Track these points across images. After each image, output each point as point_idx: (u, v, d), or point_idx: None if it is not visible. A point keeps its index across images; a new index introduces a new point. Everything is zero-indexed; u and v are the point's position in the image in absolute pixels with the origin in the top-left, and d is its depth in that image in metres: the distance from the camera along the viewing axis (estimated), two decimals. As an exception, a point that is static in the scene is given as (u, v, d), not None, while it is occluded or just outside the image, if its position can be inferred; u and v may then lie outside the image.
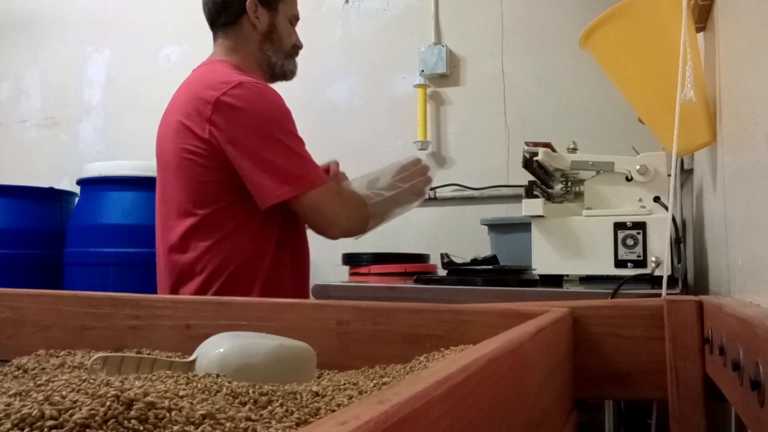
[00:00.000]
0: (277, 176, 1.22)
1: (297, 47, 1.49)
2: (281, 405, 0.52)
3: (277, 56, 1.45)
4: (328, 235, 1.33)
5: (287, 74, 1.48)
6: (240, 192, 1.25)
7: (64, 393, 0.42)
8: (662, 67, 1.00)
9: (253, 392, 0.54)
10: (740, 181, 0.78)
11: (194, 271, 1.26)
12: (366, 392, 0.61)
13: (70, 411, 0.38)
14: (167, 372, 0.63)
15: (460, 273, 1.30)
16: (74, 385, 0.45)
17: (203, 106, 1.25)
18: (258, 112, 1.25)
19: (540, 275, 1.14)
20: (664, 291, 0.87)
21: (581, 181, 1.24)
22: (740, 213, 0.78)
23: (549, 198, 1.25)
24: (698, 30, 1.12)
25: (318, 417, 0.50)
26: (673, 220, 1.02)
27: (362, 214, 1.33)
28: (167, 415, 0.42)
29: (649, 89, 1.06)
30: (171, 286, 1.30)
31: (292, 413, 0.50)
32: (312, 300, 1.04)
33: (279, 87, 1.40)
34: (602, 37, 1.06)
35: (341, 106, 2.52)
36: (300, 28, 1.51)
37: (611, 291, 0.93)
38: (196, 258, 1.26)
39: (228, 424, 0.43)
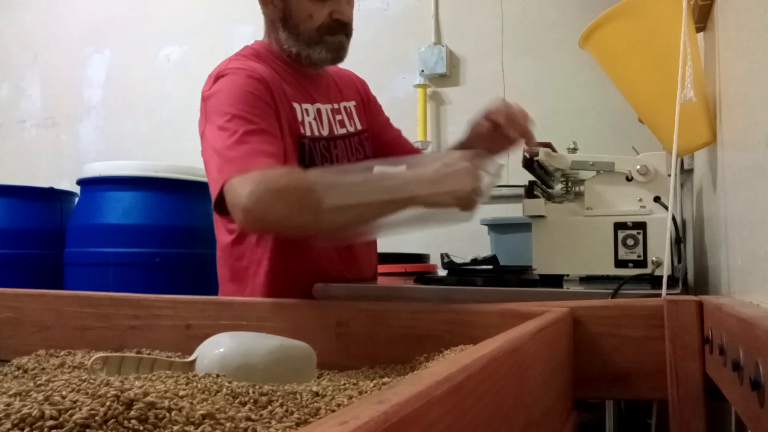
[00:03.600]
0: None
1: (327, 28, 1.18)
2: (281, 405, 0.52)
3: (297, 45, 1.20)
4: (241, 228, 1.10)
5: (318, 63, 1.22)
6: None
7: (64, 393, 0.42)
8: (662, 67, 1.00)
9: (253, 392, 0.54)
10: (740, 181, 0.78)
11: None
12: (366, 392, 0.61)
13: (70, 411, 0.38)
14: (167, 372, 0.63)
15: (460, 273, 1.29)
16: (74, 385, 0.45)
17: None
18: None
19: (540, 275, 1.14)
20: (664, 291, 0.87)
21: (581, 181, 1.24)
22: (740, 213, 0.78)
23: (549, 198, 1.25)
24: (698, 30, 1.12)
25: (318, 417, 0.50)
26: (674, 220, 1.02)
27: (295, 198, 0.91)
28: (167, 415, 0.42)
29: (649, 89, 1.06)
30: None
31: (292, 413, 0.50)
32: (312, 300, 1.04)
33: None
34: (602, 37, 1.06)
35: (341, 106, 2.52)
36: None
37: (611, 291, 0.93)
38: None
39: (228, 424, 0.43)
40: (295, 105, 1.19)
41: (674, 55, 0.93)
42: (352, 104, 1.33)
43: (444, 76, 2.35)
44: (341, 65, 1.30)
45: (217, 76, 1.12)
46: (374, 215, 0.94)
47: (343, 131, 1.27)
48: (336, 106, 1.29)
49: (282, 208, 0.90)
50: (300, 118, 1.19)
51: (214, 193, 1.01)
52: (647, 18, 1.02)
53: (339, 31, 1.19)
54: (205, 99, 1.12)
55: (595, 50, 1.10)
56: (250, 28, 2.71)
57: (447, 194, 0.90)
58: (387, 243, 2.08)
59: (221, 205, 0.98)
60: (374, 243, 1.36)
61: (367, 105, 1.38)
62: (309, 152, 1.18)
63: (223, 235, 1.24)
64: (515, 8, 2.28)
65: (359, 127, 1.32)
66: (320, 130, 1.22)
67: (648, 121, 1.12)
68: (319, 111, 1.24)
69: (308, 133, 1.20)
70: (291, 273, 1.16)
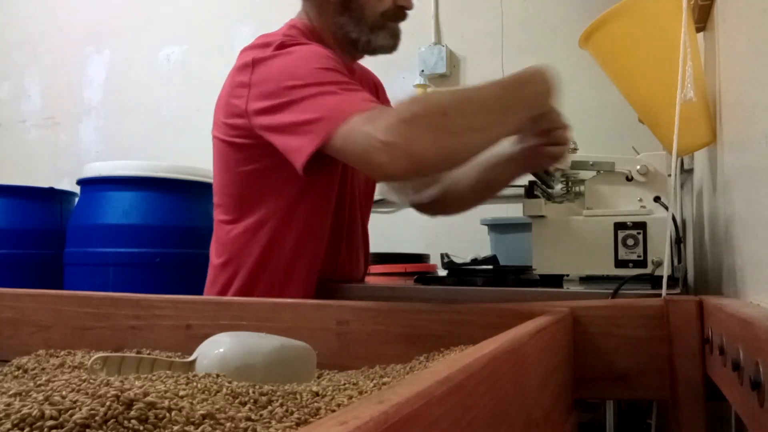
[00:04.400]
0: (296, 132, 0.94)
1: (391, 14, 1.13)
2: (281, 405, 0.52)
3: (359, 30, 1.13)
4: (380, 173, 0.95)
5: (378, 50, 1.16)
6: None
7: (64, 393, 0.42)
8: (662, 67, 1.00)
9: (253, 392, 0.54)
10: (740, 181, 0.78)
11: None
12: (366, 392, 0.61)
13: (70, 411, 0.38)
14: (167, 372, 0.63)
15: (460, 273, 1.29)
16: (74, 385, 0.45)
17: None
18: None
19: (540, 275, 1.14)
20: (664, 291, 0.87)
21: (581, 181, 1.24)
22: (740, 213, 0.78)
23: (549, 198, 1.25)
24: (698, 30, 1.12)
25: (318, 417, 0.50)
26: (674, 220, 1.02)
27: (434, 123, 0.82)
28: (167, 415, 0.42)
29: (649, 89, 1.06)
30: None
31: (292, 413, 0.50)
32: (312, 300, 1.04)
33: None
34: (602, 37, 1.06)
35: (341, 106, 2.51)
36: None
37: (611, 291, 0.93)
38: None
39: (228, 424, 0.43)
40: None
41: (674, 54, 0.93)
42: None
43: (444, 76, 2.34)
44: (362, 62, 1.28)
45: (280, 45, 1.01)
46: (502, 131, 0.88)
47: None
48: None
49: (427, 136, 0.80)
50: None
51: (307, 149, 0.90)
52: (647, 18, 1.02)
53: (401, 18, 1.15)
54: (259, 62, 1.01)
55: (595, 50, 1.10)
56: (250, 28, 2.71)
57: (545, 88, 0.87)
58: (387, 243, 2.09)
59: (312, 165, 0.91)
60: (367, 244, 1.35)
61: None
62: None
63: (214, 256, 1.19)
64: (515, 8, 2.28)
65: None
66: None
67: (648, 121, 1.12)
68: None
69: None
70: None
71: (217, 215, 1.19)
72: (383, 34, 1.14)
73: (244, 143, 1.07)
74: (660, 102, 1.00)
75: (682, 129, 0.91)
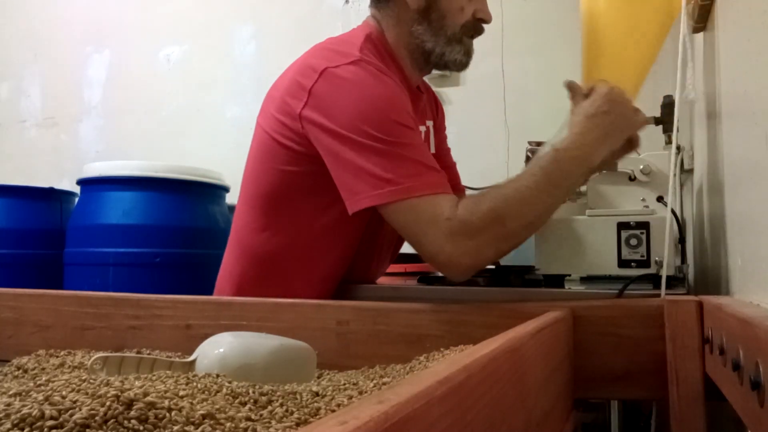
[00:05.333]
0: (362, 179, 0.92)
1: (470, 27, 1.11)
2: (281, 405, 0.52)
3: (435, 41, 1.09)
4: (436, 268, 0.96)
5: (449, 65, 1.12)
6: None
7: (64, 393, 0.42)
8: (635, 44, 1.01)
9: (253, 392, 0.54)
10: (740, 180, 0.78)
11: None
12: (366, 392, 0.61)
13: (70, 411, 0.38)
14: (167, 372, 0.63)
15: (460, 273, 1.29)
16: (74, 385, 0.45)
17: None
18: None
19: (542, 275, 1.14)
20: (663, 291, 0.87)
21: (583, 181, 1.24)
22: (740, 213, 0.78)
23: (550, 198, 1.24)
24: (698, 30, 1.12)
25: (318, 417, 0.50)
26: (677, 219, 1.02)
27: (495, 234, 0.87)
28: (167, 415, 0.42)
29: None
30: None
31: (292, 413, 0.50)
32: (312, 300, 1.04)
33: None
34: None
35: (341, 106, 2.51)
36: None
37: (613, 291, 0.93)
38: None
39: (228, 424, 0.43)
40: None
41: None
42: (431, 124, 1.25)
43: (444, 76, 2.34)
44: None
45: (355, 62, 0.97)
46: (558, 204, 0.92)
47: None
48: (427, 126, 1.21)
49: (490, 250, 0.88)
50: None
51: (366, 201, 0.91)
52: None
53: (478, 32, 1.13)
54: (329, 74, 0.96)
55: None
56: (250, 28, 2.71)
57: (617, 142, 0.91)
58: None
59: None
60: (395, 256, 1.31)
61: (438, 129, 1.32)
62: None
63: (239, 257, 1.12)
64: (515, 8, 2.28)
65: (432, 150, 1.23)
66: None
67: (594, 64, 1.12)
68: (427, 132, 1.18)
69: None
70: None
71: (244, 216, 1.12)
72: (458, 48, 1.11)
73: (290, 145, 1.02)
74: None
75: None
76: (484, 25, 1.15)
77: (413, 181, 0.89)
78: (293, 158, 1.03)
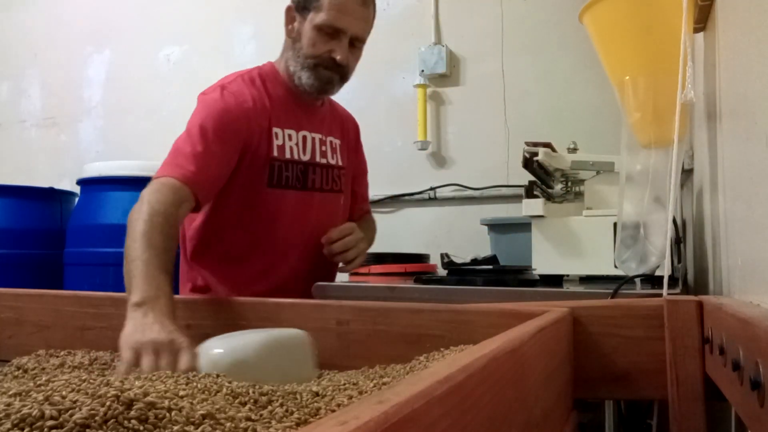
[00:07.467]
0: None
1: (325, 60, 1.32)
2: (281, 405, 0.52)
3: (295, 65, 1.35)
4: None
5: (304, 86, 1.35)
6: None
7: (64, 393, 0.42)
8: (650, 53, 1.00)
9: (253, 392, 0.54)
10: (740, 181, 0.78)
11: None
12: (366, 392, 0.61)
13: (70, 411, 0.38)
14: (167, 372, 0.63)
15: (460, 273, 1.30)
16: (74, 385, 0.45)
17: None
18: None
19: (540, 275, 1.14)
20: (664, 291, 0.87)
21: (581, 181, 1.24)
22: (740, 213, 0.78)
23: (549, 198, 1.25)
24: (698, 30, 1.12)
25: (318, 417, 0.50)
26: (674, 220, 1.02)
27: (129, 235, 1.05)
28: (167, 415, 0.42)
29: (633, 72, 1.06)
30: None
31: (292, 413, 0.50)
32: (312, 300, 1.04)
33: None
34: (600, 12, 1.06)
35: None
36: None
37: (611, 291, 0.93)
38: None
39: (228, 424, 0.43)
40: (276, 130, 1.32)
41: (669, 39, 0.93)
42: (338, 141, 1.47)
43: (444, 76, 2.34)
44: (346, 107, 1.54)
45: (218, 87, 1.32)
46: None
47: (323, 161, 1.41)
48: (323, 137, 1.42)
49: (128, 232, 1.04)
50: (280, 142, 1.33)
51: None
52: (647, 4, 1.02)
53: (332, 68, 1.33)
54: (199, 99, 1.34)
55: (592, 25, 1.10)
56: (250, 28, 2.71)
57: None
58: (387, 243, 2.09)
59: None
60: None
61: (352, 149, 1.53)
62: (279, 173, 1.32)
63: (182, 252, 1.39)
64: (515, 8, 2.28)
65: (340, 163, 1.46)
66: (300, 154, 1.36)
67: (629, 106, 1.12)
68: (304, 138, 1.38)
69: (284, 156, 1.33)
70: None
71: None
72: (309, 74, 1.33)
73: None
74: (648, 90, 1.00)
75: (655, 121, 0.91)
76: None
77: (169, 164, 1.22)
78: None
